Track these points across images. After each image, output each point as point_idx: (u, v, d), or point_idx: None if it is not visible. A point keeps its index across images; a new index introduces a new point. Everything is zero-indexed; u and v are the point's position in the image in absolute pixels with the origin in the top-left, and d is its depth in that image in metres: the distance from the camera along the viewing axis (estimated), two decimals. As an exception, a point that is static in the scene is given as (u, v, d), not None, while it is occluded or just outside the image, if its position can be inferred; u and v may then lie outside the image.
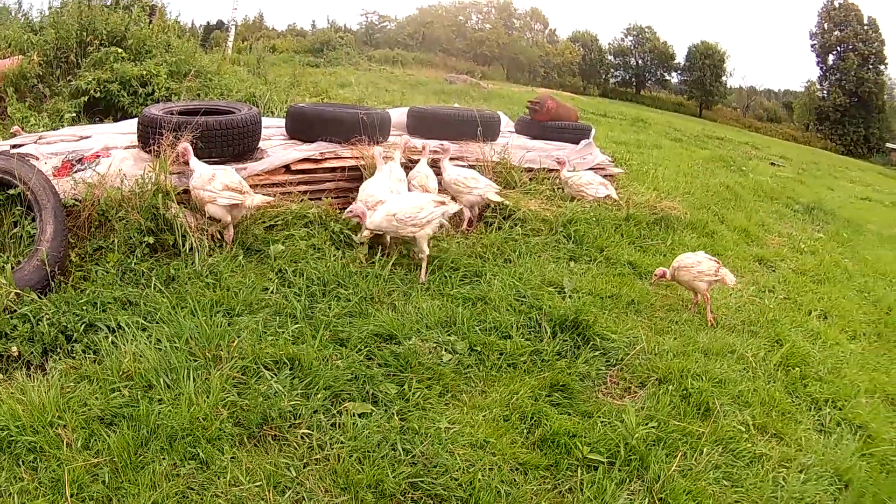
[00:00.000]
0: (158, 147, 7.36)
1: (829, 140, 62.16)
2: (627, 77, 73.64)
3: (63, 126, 11.86)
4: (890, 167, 52.79)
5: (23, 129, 10.08)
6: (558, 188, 10.12)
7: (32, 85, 13.49)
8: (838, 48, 65.25)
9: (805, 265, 10.59)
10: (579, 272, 7.83)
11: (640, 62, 72.72)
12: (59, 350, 5.23)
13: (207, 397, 4.66)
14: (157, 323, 5.52)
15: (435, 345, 5.71)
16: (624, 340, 6.30)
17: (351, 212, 7.04)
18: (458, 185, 8.48)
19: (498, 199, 8.61)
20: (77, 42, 14.53)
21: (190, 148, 7.20)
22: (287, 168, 8.52)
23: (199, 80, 15.59)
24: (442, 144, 9.00)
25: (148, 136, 7.78)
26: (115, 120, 13.00)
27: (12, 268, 5.83)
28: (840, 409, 5.98)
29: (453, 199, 8.37)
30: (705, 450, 4.88)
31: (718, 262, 7.32)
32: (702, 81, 67.31)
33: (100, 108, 13.54)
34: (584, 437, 4.82)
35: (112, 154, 8.01)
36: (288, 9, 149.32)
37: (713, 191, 14.77)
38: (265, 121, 10.05)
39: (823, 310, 8.62)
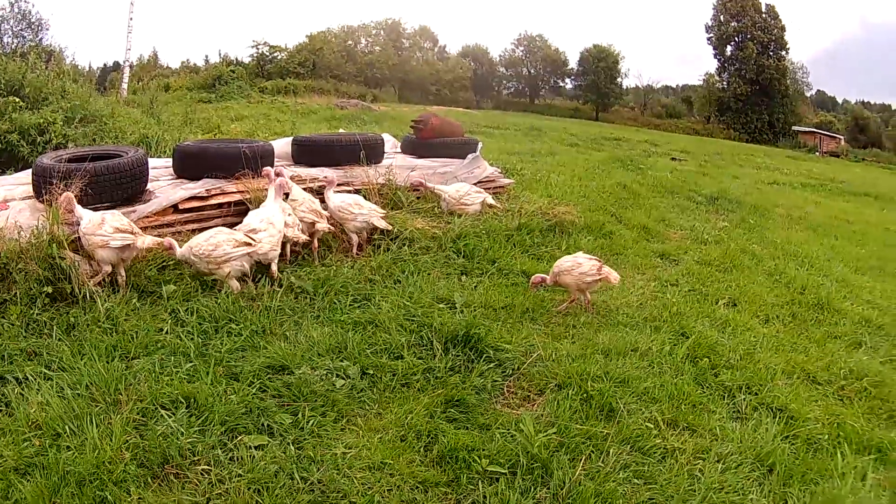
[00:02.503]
0: (51, 194, 7.52)
1: (732, 130, 63.64)
2: (521, 87, 74.44)
3: None
4: (798, 150, 54.29)
5: None
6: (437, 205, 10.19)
7: (-68, 144, 13.40)
8: (736, 38, 66.94)
9: (710, 255, 10.78)
10: (471, 286, 7.90)
11: (532, 71, 73.47)
12: (-29, 406, 5.34)
13: (111, 441, 4.72)
14: (60, 371, 5.61)
15: (326, 371, 5.77)
16: (520, 350, 6.36)
17: (161, 244, 7.24)
18: (343, 213, 8.55)
19: (383, 224, 8.71)
20: None
21: (73, 197, 7.30)
22: (175, 207, 8.65)
23: (94, 124, 15.86)
24: (326, 177, 9.09)
25: (41, 186, 8.02)
26: (18, 170, 13.14)
27: None
28: (756, 395, 6.08)
29: (341, 225, 8.64)
30: (611, 450, 4.91)
31: (600, 262, 7.39)
32: (596, 85, 68.23)
33: (2, 160, 13.69)
34: (483, 450, 4.86)
35: (10, 206, 8.28)
36: (181, 45, 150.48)
37: (609, 191, 15.04)
38: (154, 161, 10.20)
39: (732, 297, 8.78)
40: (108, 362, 5.70)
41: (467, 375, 5.81)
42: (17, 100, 14.42)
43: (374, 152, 11.03)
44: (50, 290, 6.74)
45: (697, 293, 8.79)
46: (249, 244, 7.18)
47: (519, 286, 7.98)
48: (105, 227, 6.98)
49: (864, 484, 4.87)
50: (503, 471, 4.67)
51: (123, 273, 7.22)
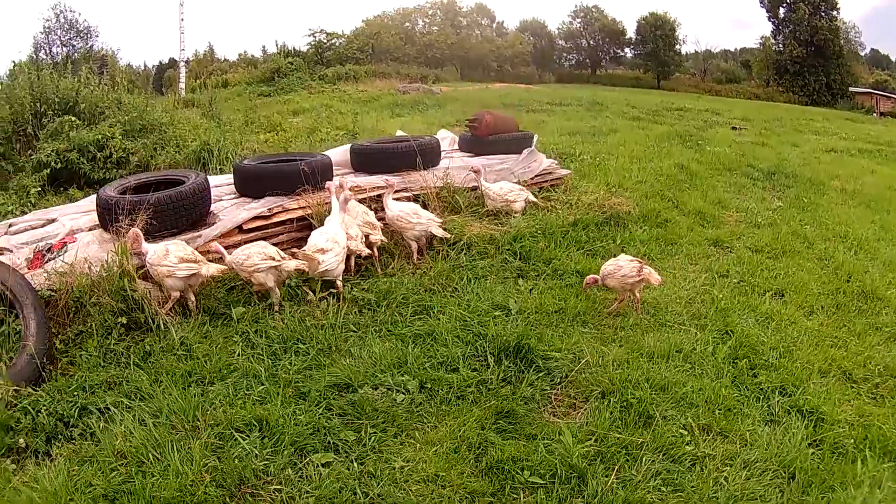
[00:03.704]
0: (117, 227, 7.75)
1: (791, 93, 62.25)
2: (581, 59, 73.63)
3: (31, 201, 12.36)
4: (855, 111, 53.24)
5: None
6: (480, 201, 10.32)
7: (-5, 167, 13.41)
8: (787, 0, 65.45)
9: (762, 241, 10.80)
10: (526, 290, 8.05)
11: (591, 42, 72.60)
12: (60, 436, 5.60)
13: (191, 465, 5.02)
14: (140, 399, 5.91)
15: (387, 389, 6.04)
16: (569, 356, 6.55)
17: (225, 271, 7.64)
18: (402, 222, 8.72)
19: (441, 233, 8.88)
20: (32, 113, 14.86)
21: (139, 234, 7.47)
22: (240, 228, 8.77)
23: (154, 134, 15.90)
24: (387, 180, 9.33)
25: (106, 218, 8.25)
26: (80, 187, 13.63)
27: (6, 365, 6.22)
28: (790, 396, 6.16)
29: (400, 234, 8.85)
30: (645, 458, 5.14)
31: (641, 263, 7.53)
32: (656, 53, 67.27)
33: (63, 179, 13.84)
34: (527, 461, 5.12)
35: (77, 238, 8.37)
36: (237, 37, 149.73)
37: (666, 174, 14.92)
38: (215, 179, 10.42)
39: (780, 288, 8.82)
40: (184, 388, 6.05)
41: (517, 386, 6.04)
42: (73, 118, 14.64)
43: (430, 156, 11.18)
44: (124, 320, 7.02)
45: (746, 284, 8.86)
46: (274, 259, 7.48)
47: (573, 287, 8.14)
48: (170, 258, 7.26)
49: (880, 492, 4.95)
50: (542, 481, 4.93)
51: (193, 297, 7.51)
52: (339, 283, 7.84)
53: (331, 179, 9.72)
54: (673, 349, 6.78)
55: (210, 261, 7.65)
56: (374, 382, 6.15)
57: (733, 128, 27.55)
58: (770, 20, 67.72)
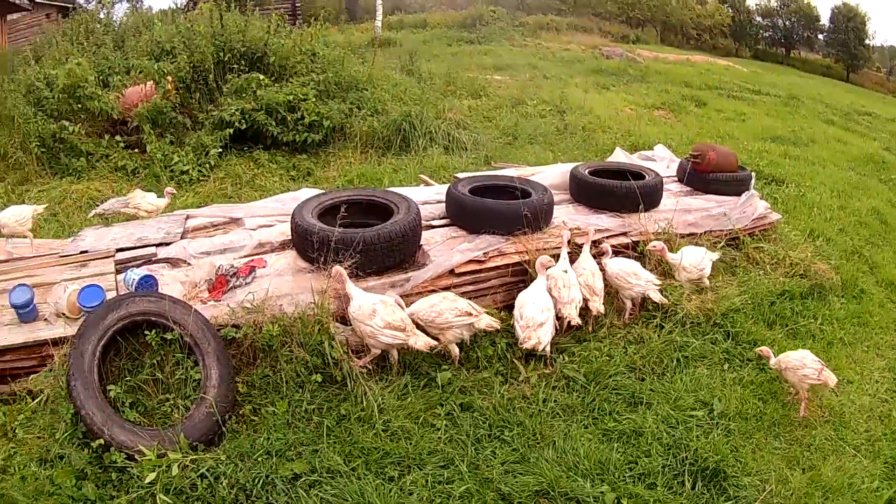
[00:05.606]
0: (315, 258, 7.38)
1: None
2: (777, 37, 71.41)
3: (210, 163, 12.24)
4: None
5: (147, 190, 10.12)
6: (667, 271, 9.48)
7: (171, 118, 13.06)
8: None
9: None
10: (730, 382, 7.70)
11: (786, 24, 70.33)
12: (241, 510, 5.34)
13: None
14: (330, 476, 5.62)
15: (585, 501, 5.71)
16: (757, 480, 6.33)
17: (434, 347, 7.01)
18: (620, 281, 8.41)
19: (658, 298, 8.53)
20: (214, 62, 14.13)
21: (345, 274, 6.92)
22: (451, 271, 8.07)
23: (351, 93, 15.25)
24: (602, 247, 8.91)
25: (302, 245, 7.75)
26: (266, 148, 13.33)
27: (182, 418, 5.92)
28: None
29: (616, 291, 8.56)
30: None
31: (822, 364, 7.25)
32: (846, 45, 64.87)
33: (247, 139, 13.45)
34: None
35: (267, 263, 7.91)
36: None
37: (864, 221, 14.28)
38: (423, 193, 10.30)
39: None
40: (382, 469, 5.75)
41: (706, 516, 5.95)
42: (262, 77, 14.00)
43: (654, 198, 10.73)
44: (319, 378, 6.49)
45: (924, 397, 8.42)
46: (471, 314, 7.05)
47: (773, 383, 7.78)
48: (375, 320, 6.61)
49: None
50: None
51: (396, 354, 6.95)
52: (548, 350, 7.36)
53: (552, 218, 9.51)
54: (846, 482, 6.50)
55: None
56: (573, 490, 5.78)
57: (917, 149, 26.61)
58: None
